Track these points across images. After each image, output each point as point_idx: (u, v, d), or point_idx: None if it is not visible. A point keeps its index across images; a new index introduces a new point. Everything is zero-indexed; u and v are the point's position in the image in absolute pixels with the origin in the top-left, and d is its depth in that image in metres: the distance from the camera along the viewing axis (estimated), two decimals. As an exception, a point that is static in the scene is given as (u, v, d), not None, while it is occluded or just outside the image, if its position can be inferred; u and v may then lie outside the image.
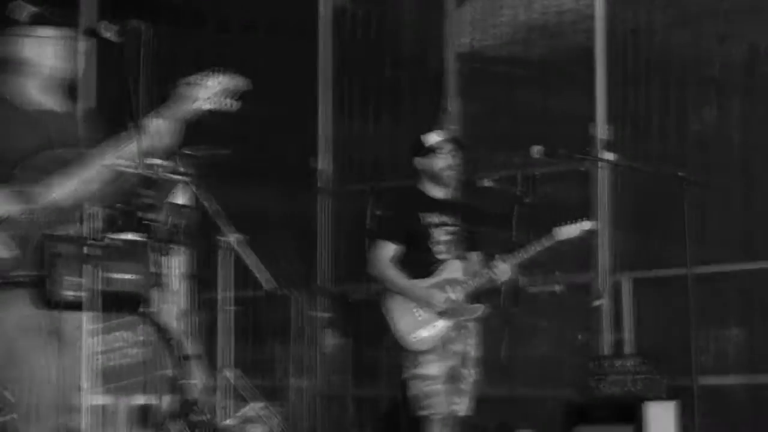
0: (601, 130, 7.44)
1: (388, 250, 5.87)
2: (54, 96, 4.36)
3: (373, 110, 8.40)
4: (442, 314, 5.81)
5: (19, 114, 4.25)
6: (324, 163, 8.58)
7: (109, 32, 4.03)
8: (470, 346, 5.93)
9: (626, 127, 7.43)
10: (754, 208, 7.19)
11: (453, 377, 5.84)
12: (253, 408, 6.23)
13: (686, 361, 5.62)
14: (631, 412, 6.44)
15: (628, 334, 7.34)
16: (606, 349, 7.34)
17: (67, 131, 4.27)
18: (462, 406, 5.87)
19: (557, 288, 7.46)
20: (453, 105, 8.17)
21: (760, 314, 7.10)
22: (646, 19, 7.47)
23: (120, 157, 4.16)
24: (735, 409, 7.00)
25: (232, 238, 6.22)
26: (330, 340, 7.58)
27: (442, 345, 5.82)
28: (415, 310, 5.81)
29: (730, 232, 7.15)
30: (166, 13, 7.70)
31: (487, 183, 6.25)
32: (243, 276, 6.20)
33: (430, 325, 5.81)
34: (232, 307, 6.30)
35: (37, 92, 4.33)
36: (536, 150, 5.85)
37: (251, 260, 5.98)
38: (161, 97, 4.25)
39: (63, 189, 4.15)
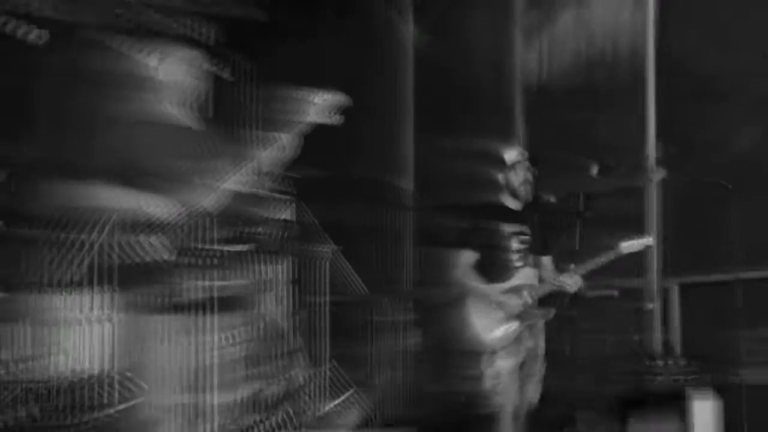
0: (652, 147, 7.64)
1: (467, 257, 6.07)
2: (188, 112, 4.56)
3: (449, 131, 8.47)
4: (515, 317, 6.07)
5: (160, 130, 4.39)
6: (405, 180, 8.76)
7: (221, 72, 4.46)
8: (539, 343, 6.18)
9: (675, 144, 7.55)
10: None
11: (522, 372, 6.10)
12: (347, 395, 6.63)
13: (731, 360, 5.95)
14: (678, 406, 6.64)
15: (675, 335, 7.50)
16: (656, 348, 7.48)
17: (203, 145, 4.41)
18: (530, 399, 6.15)
19: (612, 293, 7.55)
20: (519, 128, 8.38)
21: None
22: (695, 41, 7.56)
23: (244, 173, 4.38)
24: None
25: (327, 248, 6.74)
26: (412, 338, 7.82)
27: (514, 344, 6.06)
28: (491, 312, 6.04)
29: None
30: (277, 35, 7.61)
31: (550, 199, 6.47)
32: (337, 282, 6.65)
33: (505, 326, 6.05)
34: (328, 309, 6.74)
35: (174, 109, 4.52)
36: (593, 169, 6.25)
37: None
38: (268, 112, 4.43)
39: (211, 199, 4.33)
